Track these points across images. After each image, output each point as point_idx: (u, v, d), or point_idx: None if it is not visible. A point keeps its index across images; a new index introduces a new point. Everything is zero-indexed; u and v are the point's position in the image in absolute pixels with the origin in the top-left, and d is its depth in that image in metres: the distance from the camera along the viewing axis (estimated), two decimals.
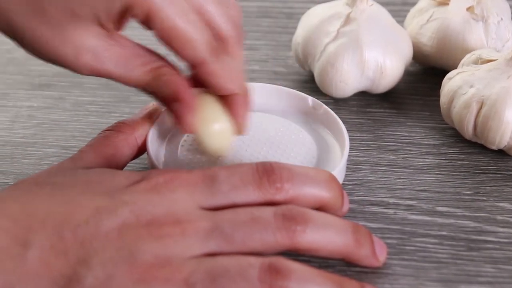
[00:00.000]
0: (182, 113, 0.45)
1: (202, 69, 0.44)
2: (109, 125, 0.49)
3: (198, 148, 0.49)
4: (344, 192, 0.45)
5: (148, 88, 0.45)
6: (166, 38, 0.42)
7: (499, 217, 0.48)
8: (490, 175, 0.52)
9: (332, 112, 0.52)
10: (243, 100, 0.47)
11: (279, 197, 0.42)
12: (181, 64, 0.46)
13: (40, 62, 0.64)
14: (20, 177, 0.52)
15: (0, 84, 0.62)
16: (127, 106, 0.59)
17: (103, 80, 0.62)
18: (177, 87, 0.45)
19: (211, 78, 0.45)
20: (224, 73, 0.45)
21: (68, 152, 0.54)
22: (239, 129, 0.48)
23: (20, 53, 0.65)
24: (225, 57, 0.44)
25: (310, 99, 0.54)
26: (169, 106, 0.45)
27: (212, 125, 0.47)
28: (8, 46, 0.67)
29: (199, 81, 0.46)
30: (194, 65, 0.44)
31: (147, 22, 0.41)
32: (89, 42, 0.42)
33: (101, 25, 0.42)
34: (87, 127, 0.57)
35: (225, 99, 0.47)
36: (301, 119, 0.53)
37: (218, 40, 0.44)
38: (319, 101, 0.53)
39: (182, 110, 0.45)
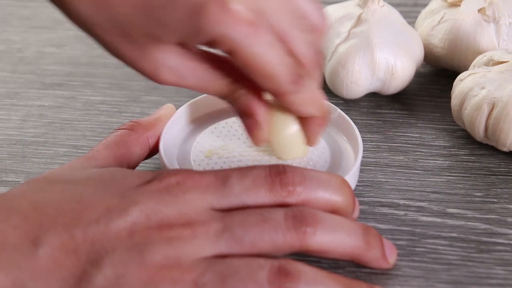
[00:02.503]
0: (251, 128, 0.45)
1: (282, 99, 0.44)
2: (120, 124, 0.49)
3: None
4: (355, 197, 0.45)
5: (226, 100, 0.45)
6: (249, 72, 0.41)
7: (509, 219, 0.48)
8: (501, 177, 0.52)
9: (347, 117, 0.52)
10: (320, 121, 0.47)
11: (290, 200, 0.42)
12: None
13: (51, 61, 0.64)
14: (31, 176, 0.52)
15: (11, 83, 0.62)
16: (138, 106, 0.59)
17: (114, 80, 0.62)
18: (250, 103, 0.44)
19: (290, 106, 0.45)
20: (303, 101, 0.44)
21: (79, 151, 0.55)
22: (309, 142, 0.48)
23: (31, 52, 0.66)
24: (305, 82, 0.43)
25: (325, 103, 0.53)
26: (241, 118, 0.46)
27: (282, 134, 0.47)
28: (19, 45, 0.67)
29: None
30: (274, 94, 0.44)
31: (231, 55, 0.41)
32: (168, 60, 0.42)
33: (182, 45, 0.42)
34: (98, 127, 0.57)
35: (302, 118, 0.47)
36: None
37: (299, 64, 0.43)
38: (334, 105, 0.53)
39: (252, 125, 0.45)
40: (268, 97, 0.45)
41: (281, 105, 0.46)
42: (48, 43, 0.67)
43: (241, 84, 0.44)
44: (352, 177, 0.48)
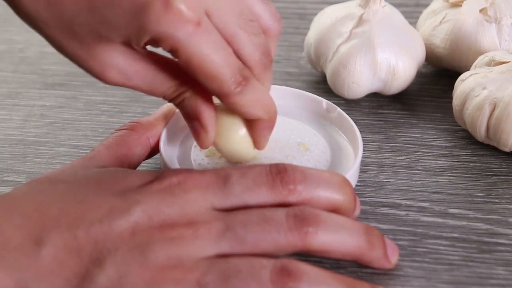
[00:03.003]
0: (197, 131, 0.45)
1: (226, 100, 0.44)
2: (121, 124, 0.50)
3: (223, 159, 0.50)
4: (356, 196, 0.45)
5: (173, 102, 0.45)
6: (192, 72, 0.42)
7: (511, 219, 0.48)
8: (502, 177, 0.52)
9: (346, 115, 0.52)
10: (266, 124, 0.47)
11: (291, 198, 0.42)
12: None
13: (52, 61, 0.64)
14: (32, 176, 0.52)
15: (13, 83, 0.62)
16: (139, 106, 0.59)
17: None
18: (196, 106, 0.45)
19: (235, 107, 0.44)
20: (248, 103, 0.44)
21: (80, 151, 0.55)
22: (257, 145, 0.48)
23: (32, 52, 0.66)
24: (252, 84, 0.43)
25: (325, 102, 0.53)
26: (188, 122, 0.46)
27: (230, 138, 0.47)
28: (20, 45, 0.67)
29: None
30: (218, 96, 0.44)
31: (174, 55, 0.41)
32: (115, 60, 0.42)
33: (128, 45, 0.42)
34: (99, 127, 0.57)
35: (249, 121, 0.46)
36: (315, 122, 0.53)
37: (245, 66, 0.43)
38: (333, 104, 0.53)
39: (198, 129, 0.45)
40: (216, 100, 0.45)
41: (229, 109, 0.46)
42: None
43: (188, 87, 0.44)
44: (353, 175, 0.48)
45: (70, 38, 0.41)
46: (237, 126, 0.47)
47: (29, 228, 0.40)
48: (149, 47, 0.43)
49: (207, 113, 0.45)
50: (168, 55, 0.42)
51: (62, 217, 0.40)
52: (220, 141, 0.47)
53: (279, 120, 0.52)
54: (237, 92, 0.43)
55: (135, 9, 0.39)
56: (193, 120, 0.45)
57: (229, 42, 0.42)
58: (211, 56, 0.41)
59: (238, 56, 0.42)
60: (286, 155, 0.50)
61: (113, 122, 0.58)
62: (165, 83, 0.44)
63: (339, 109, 0.53)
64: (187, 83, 0.44)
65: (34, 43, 0.67)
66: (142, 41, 0.40)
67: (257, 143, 0.47)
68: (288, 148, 0.50)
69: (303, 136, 0.51)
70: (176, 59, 0.42)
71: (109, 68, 0.42)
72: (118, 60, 0.42)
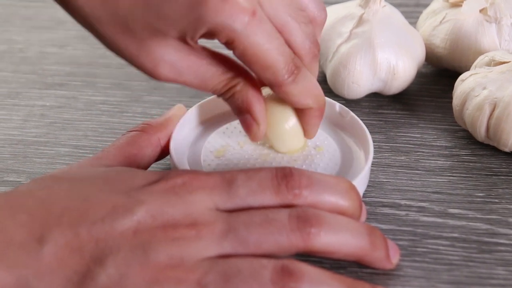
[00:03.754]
0: (249, 124, 0.46)
1: (279, 89, 0.44)
2: (121, 124, 0.50)
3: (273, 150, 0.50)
4: (362, 202, 0.45)
5: (223, 97, 0.46)
6: (247, 63, 0.42)
7: (511, 219, 0.48)
8: (503, 177, 0.52)
9: (359, 120, 0.52)
10: (316, 113, 0.47)
11: (296, 203, 0.42)
12: None
13: (53, 61, 0.64)
14: (33, 176, 0.52)
15: (13, 83, 0.62)
16: (140, 106, 0.59)
17: (116, 80, 0.62)
18: (247, 99, 0.45)
19: (287, 97, 0.45)
20: (300, 92, 0.45)
21: (81, 151, 0.55)
22: (307, 135, 0.49)
23: (33, 52, 0.66)
24: (303, 73, 0.44)
25: (338, 106, 0.53)
26: (239, 115, 0.46)
27: (280, 128, 0.48)
28: (21, 45, 0.67)
29: None
30: (271, 86, 0.44)
31: (229, 46, 0.41)
32: (167, 56, 0.42)
33: (182, 40, 0.42)
34: (99, 127, 0.57)
35: (299, 110, 0.47)
36: (326, 125, 0.53)
37: (296, 55, 0.44)
38: (346, 108, 0.53)
39: (249, 122, 0.46)
40: (264, 92, 0.46)
41: (278, 99, 0.46)
42: (49, 43, 0.67)
43: (238, 81, 0.45)
44: (362, 180, 0.48)
45: (124, 35, 0.41)
46: (287, 116, 0.48)
47: (32, 225, 0.40)
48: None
49: (258, 106, 0.45)
50: (218, 49, 0.43)
51: (65, 215, 0.40)
52: (270, 131, 0.47)
53: None
54: (290, 81, 0.44)
55: (192, 1, 0.39)
56: (244, 113, 0.45)
57: (280, 32, 0.42)
58: (266, 45, 0.41)
59: (289, 45, 0.43)
60: (295, 158, 0.50)
61: (113, 122, 0.58)
62: (216, 78, 0.44)
63: (351, 113, 0.52)
64: (237, 77, 0.45)
65: (34, 43, 0.67)
66: (199, 34, 0.41)
67: (307, 132, 0.48)
68: (301, 150, 0.50)
69: (314, 139, 0.51)
70: (231, 51, 0.42)
71: (161, 64, 0.42)
72: (170, 56, 0.42)
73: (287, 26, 0.43)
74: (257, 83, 0.45)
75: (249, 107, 0.45)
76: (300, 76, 0.44)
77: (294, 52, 0.44)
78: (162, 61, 0.42)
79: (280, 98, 0.46)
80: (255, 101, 0.45)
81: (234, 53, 0.42)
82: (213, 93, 0.45)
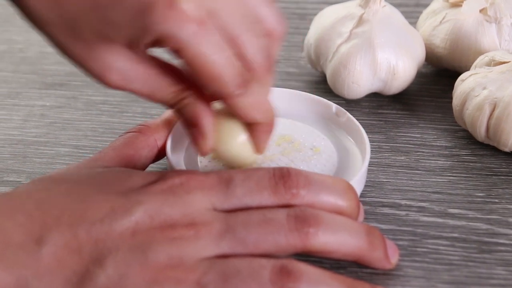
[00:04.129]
0: (196, 138, 0.45)
1: (227, 102, 0.43)
2: (121, 124, 0.50)
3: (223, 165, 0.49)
4: (360, 203, 0.45)
5: (171, 108, 0.45)
6: (194, 73, 0.41)
7: (511, 219, 0.48)
8: (503, 177, 0.52)
9: (355, 120, 0.52)
10: (265, 128, 0.46)
11: (294, 203, 0.42)
12: None
13: (53, 61, 0.64)
14: (32, 176, 0.52)
15: (13, 83, 0.62)
16: (139, 106, 0.59)
17: None
18: (196, 113, 0.44)
19: (235, 110, 0.44)
20: (248, 106, 0.44)
21: (81, 151, 0.55)
22: (256, 150, 0.47)
23: (32, 52, 0.66)
24: (253, 86, 0.43)
25: (334, 106, 0.53)
26: (187, 128, 0.45)
27: (230, 143, 0.47)
28: (20, 45, 0.67)
29: None
30: (220, 98, 0.43)
31: (177, 55, 0.41)
32: (116, 63, 0.42)
33: (131, 47, 0.42)
34: (99, 127, 0.57)
35: (248, 125, 0.46)
36: (323, 126, 0.53)
37: (248, 68, 0.43)
38: (342, 109, 0.53)
39: (197, 135, 0.45)
40: (215, 106, 0.45)
41: (229, 114, 0.45)
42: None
43: (187, 94, 0.44)
44: (359, 180, 0.48)
45: (72, 38, 0.41)
46: (237, 131, 0.46)
47: (31, 226, 0.40)
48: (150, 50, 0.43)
49: (205, 120, 0.45)
50: (169, 60, 0.42)
51: (64, 216, 0.40)
52: (220, 146, 0.47)
53: (287, 123, 0.52)
54: (237, 94, 0.43)
55: (138, 9, 0.38)
56: (191, 127, 0.45)
57: (232, 44, 0.41)
58: (213, 56, 0.40)
59: (240, 57, 0.42)
60: (292, 159, 0.50)
61: (113, 122, 0.58)
62: (166, 89, 0.44)
63: (348, 113, 0.52)
64: (187, 89, 0.44)
65: (34, 43, 0.67)
66: (145, 41, 0.40)
67: (257, 147, 0.47)
68: (295, 151, 0.50)
69: (311, 140, 0.51)
70: (180, 60, 0.41)
71: (110, 70, 0.42)
72: (119, 63, 0.42)
73: (239, 38, 0.41)
74: (207, 97, 0.44)
75: (197, 120, 0.44)
76: (249, 90, 0.43)
77: (246, 65, 0.42)
78: (111, 68, 0.42)
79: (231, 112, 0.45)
80: (204, 115, 0.44)
81: (183, 62, 0.41)
82: (162, 104, 0.45)
